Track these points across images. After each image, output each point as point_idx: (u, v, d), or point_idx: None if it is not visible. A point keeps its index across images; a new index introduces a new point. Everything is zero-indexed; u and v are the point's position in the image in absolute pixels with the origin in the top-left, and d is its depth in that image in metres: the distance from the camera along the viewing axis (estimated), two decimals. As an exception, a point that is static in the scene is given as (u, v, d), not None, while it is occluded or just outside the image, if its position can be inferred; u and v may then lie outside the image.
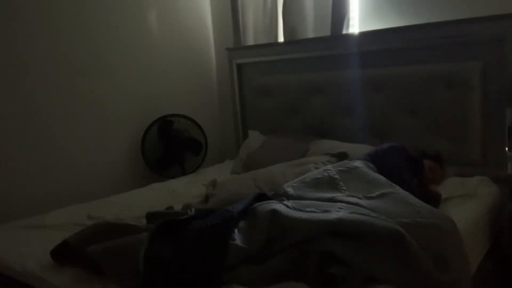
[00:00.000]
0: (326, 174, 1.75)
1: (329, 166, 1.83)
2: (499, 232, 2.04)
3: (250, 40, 3.16)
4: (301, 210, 1.44)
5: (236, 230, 1.39)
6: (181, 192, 2.38)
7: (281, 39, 3.06)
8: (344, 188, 1.66)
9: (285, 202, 1.52)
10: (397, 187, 1.62)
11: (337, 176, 1.72)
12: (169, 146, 2.97)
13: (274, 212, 1.40)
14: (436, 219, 1.42)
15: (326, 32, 2.78)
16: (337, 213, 1.40)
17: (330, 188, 1.67)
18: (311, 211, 1.43)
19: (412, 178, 1.89)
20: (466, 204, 1.90)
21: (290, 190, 1.67)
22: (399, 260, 1.25)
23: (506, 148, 2.13)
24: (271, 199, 1.59)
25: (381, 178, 1.70)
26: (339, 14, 2.69)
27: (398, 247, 1.26)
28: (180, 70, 3.28)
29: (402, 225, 1.32)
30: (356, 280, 1.24)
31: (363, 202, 1.52)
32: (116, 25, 2.86)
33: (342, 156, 2.21)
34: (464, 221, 1.74)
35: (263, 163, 2.40)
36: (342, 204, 1.49)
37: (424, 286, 1.23)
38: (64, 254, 1.48)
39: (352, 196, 1.58)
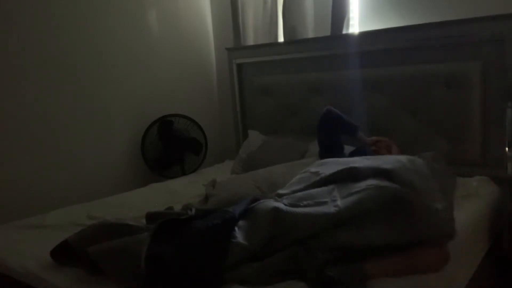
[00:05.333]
0: (305, 175, 1.76)
1: (305, 169, 1.84)
2: (499, 232, 2.04)
3: (250, 40, 3.16)
4: (298, 206, 1.44)
5: (236, 229, 1.39)
6: (181, 192, 2.38)
7: (281, 39, 3.06)
8: (322, 172, 1.68)
9: (281, 200, 1.52)
10: (368, 156, 1.73)
11: (316, 170, 1.74)
12: (169, 146, 2.97)
13: (276, 209, 1.40)
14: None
15: (326, 32, 2.79)
16: (334, 202, 1.42)
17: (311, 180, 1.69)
18: (307, 204, 1.44)
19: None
20: (466, 204, 1.90)
21: (279, 192, 1.67)
22: (401, 217, 1.31)
23: (506, 148, 2.13)
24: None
25: (353, 158, 1.79)
26: (339, 14, 2.69)
27: (395, 205, 1.32)
28: (180, 70, 3.28)
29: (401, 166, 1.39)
30: (356, 280, 1.25)
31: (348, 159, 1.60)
32: (116, 25, 2.86)
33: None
34: (464, 221, 1.74)
35: (263, 163, 2.40)
36: (334, 188, 1.51)
37: (430, 234, 1.31)
38: (64, 254, 1.48)
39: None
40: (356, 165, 1.56)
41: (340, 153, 2.13)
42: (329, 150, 2.13)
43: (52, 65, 2.56)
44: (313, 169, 1.75)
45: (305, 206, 1.44)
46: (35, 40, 2.48)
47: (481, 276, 1.78)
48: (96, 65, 2.77)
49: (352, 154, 2.15)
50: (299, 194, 1.54)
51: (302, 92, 2.82)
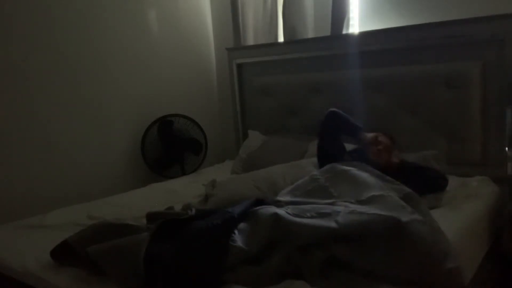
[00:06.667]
0: (316, 184, 1.72)
1: (317, 173, 1.79)
2: (499, 232, 2.04)
3: (250, 40, 3.16)
4: (302, 216, 1.43)
5: (236, 232, 1.39)
6: (181, 192, 2.38)
7: (281, 39, 3.06)
8: (335, 194, 1.63)
9: (285, 208, 1.51)
10: (388, 190, 1.59)
11: (326, 184, 1.69)
12: (169, 146, 2.97)
13: (276, 215, 1.40)
14: (430, 217, 1.43)
15: (326, 32, 2.79)
16: (336, 217, 1.40)
17: (322, 197, 1.64)
18: (311, 216, 1.43)
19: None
20: (466, 204, 1.90)
21: (284, 199, 1.65)
22: (402, 251, 1.26)
23: (506, 148, 2.13)
24: (269, 204, 1.58)
25: (371, 180, 1.65)
26: (339, 14, 2.69)
27: (399, 237, 1.27)
28: (180, 70, 3.28)
29: (402, 224, 1.31)
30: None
31: (355, 206, 1.50)
32: (116, 25, 2.86)
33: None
34: (464, 221, 1.74)
35: (263, 163, 2.40)
36: (340, 207, 1.49)
37: (430, 275, 1.24)
38: (64, 254, 1.48)
39: (344, 202, 1.55)
40: (363, 211, 1.44)
41: (341, 155, 2.10)
42: (331, 152, 2.10)
43: (52, 65, 2.55)
44: (325, 182, 1.70)
45: (308, 217, 1.43)
46: (35, 40, 2.47)
47: (481, 276, 1.77)
48: (96, 65, 2.77)
49: (350, 153, 2.14)
50: (306, 206, 1.52)
51: (302, 92, 2.82)
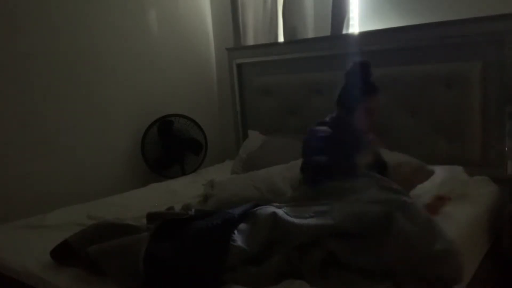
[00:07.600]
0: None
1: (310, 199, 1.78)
2: (499, 232, 2.04)
3: (250, 40, 3.16)
4: (299, 217, 1.44)
5: (236, 232, 1.39)
6: (181, 192, 2.38)
7: (281, 39, 3.06)
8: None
9: (283, 210, 1.52)
10: (378, 186, 1.59)
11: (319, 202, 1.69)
12: (169, 146, 2.97)
13: (275, 215, 1.41)
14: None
15: (326, 32, 2.79)
16: (332, 214, 1.41)
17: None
18: (309, 216, 1.44)
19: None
20: (466, 204, 1.90)
21: (282, 204, 1.64)
22: (394, 239, 1.28)
23: (506, 148, 2.13)
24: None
25: (359, 182, 1.61)
26: (339, 14, 2.69)
27: (390, 224, 1.29)
28: (180, 70, 3.28)
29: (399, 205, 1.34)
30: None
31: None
32: (116, 25, 2.86)
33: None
34: (464, 221, 1.74)
35: (263, 163, 2.40)
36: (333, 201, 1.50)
37: (421, 260, 1.25)
38: (64, 254, 1.48)
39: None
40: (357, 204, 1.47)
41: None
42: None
43: (51, 65, 2.55)
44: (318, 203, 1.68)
45: (305, 217, 1.44)
46: (36, 40, 2.47)
47: (481, 276, 1.77)
48: (96, 65, 2.77)
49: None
50: (304, 208, 1.53)
51: (302, 92, 2.82)
